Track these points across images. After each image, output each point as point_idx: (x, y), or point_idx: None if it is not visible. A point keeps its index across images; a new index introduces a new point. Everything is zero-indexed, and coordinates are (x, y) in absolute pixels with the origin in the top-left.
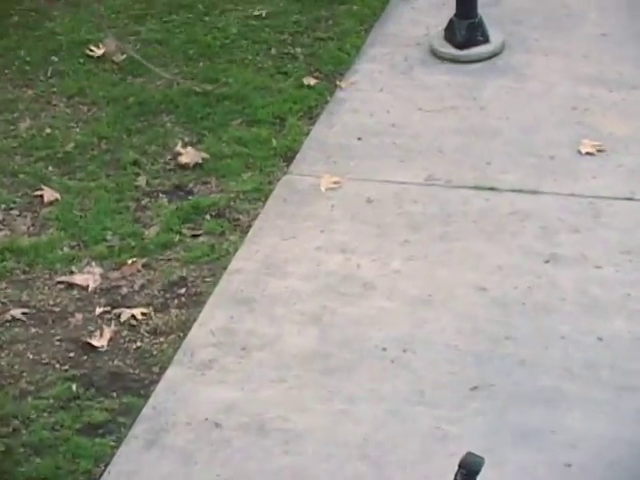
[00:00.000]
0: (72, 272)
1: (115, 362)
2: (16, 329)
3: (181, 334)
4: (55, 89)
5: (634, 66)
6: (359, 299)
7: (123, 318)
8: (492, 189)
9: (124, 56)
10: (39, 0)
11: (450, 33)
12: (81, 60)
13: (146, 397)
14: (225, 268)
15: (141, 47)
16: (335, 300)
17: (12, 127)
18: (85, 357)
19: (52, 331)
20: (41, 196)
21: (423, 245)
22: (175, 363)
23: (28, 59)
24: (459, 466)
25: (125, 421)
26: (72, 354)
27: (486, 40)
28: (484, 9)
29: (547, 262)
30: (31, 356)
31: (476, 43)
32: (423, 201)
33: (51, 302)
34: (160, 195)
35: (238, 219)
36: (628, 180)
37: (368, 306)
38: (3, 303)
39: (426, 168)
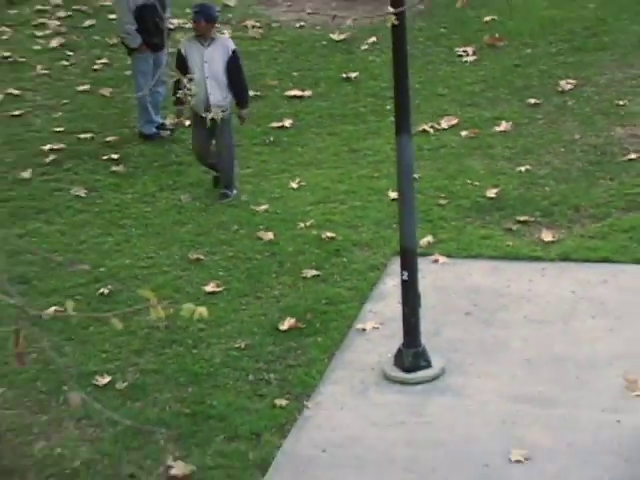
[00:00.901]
0: None
1: None
2: None
3: None
4: (65, 414)
5: (553, 386)
6: None
7: None
8: None
9: (125, 384)
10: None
11: (399, 360)
12: (88, 389)
13: None
14: None
15: (140, 376)
16: None
17: (27, 448)
18: None
19: None
20: None
21: None
22: None
23: (43, 389)
24: None
25: None
26: None
27: (429, 365)
28: (427, 338)
29: None
30: None
31: (421, 368)
32: None
33: None
34: None
35: None
36: None
37: None
38: None
39: (379, 476)
